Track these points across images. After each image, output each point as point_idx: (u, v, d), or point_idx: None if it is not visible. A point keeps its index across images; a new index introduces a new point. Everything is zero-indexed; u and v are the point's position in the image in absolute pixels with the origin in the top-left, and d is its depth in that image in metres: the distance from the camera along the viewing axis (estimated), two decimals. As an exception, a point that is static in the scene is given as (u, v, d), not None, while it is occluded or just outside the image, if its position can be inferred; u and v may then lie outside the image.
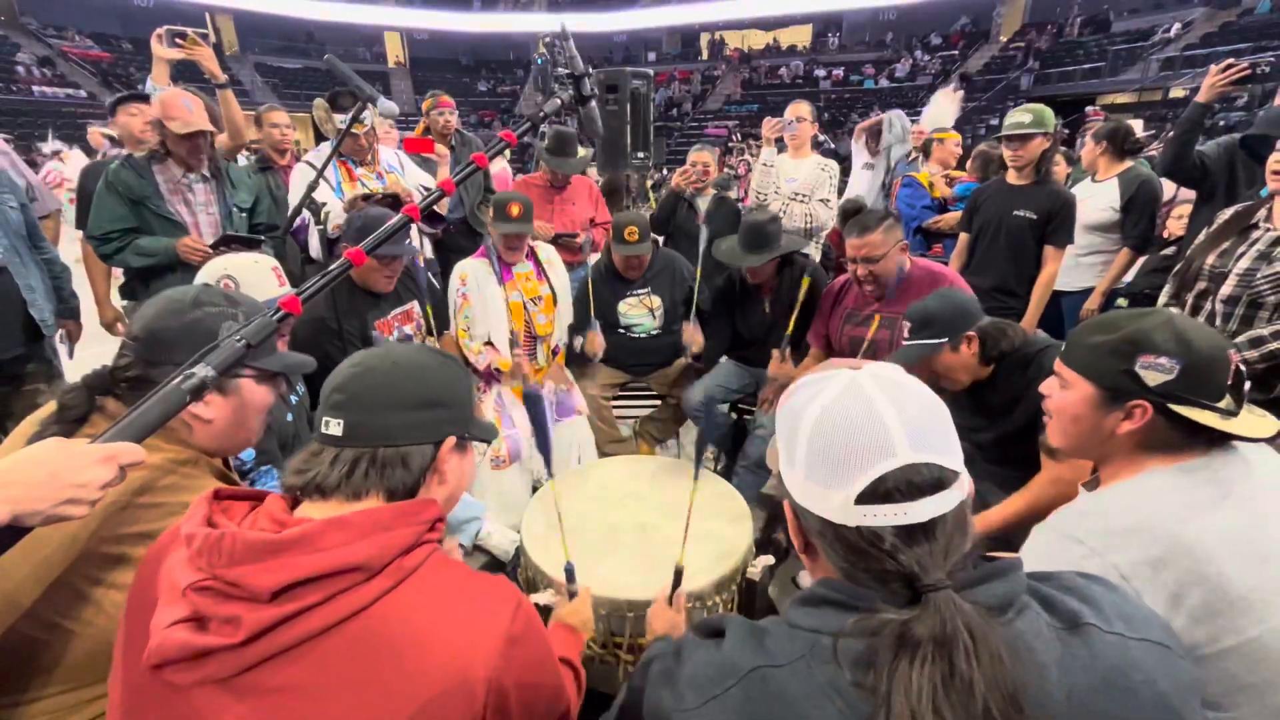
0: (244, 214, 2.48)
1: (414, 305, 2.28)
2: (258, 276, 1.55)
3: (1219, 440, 0.91)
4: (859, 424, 0.58)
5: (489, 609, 0.69)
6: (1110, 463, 0.99)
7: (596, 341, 2.53)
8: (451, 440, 0.78)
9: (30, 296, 2.14)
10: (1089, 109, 7.38)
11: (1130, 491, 0.92)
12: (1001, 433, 1.62)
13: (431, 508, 0.73)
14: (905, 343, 1.66)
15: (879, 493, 0.56)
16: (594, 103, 1.21)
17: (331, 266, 0.99)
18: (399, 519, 0.69)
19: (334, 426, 0.72)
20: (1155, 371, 0.90)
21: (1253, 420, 0.90)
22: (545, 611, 1.43)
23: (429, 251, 3.08)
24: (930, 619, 0.51)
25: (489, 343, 2.40)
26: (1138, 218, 2.83)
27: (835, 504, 0.58)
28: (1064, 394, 1.01)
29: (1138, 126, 3.37)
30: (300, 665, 0.61)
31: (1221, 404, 0.89)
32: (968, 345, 1.61)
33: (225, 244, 2.23)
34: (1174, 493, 0.88)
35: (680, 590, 1.22)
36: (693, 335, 2.52)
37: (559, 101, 1.17)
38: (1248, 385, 0.92)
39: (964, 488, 0.58)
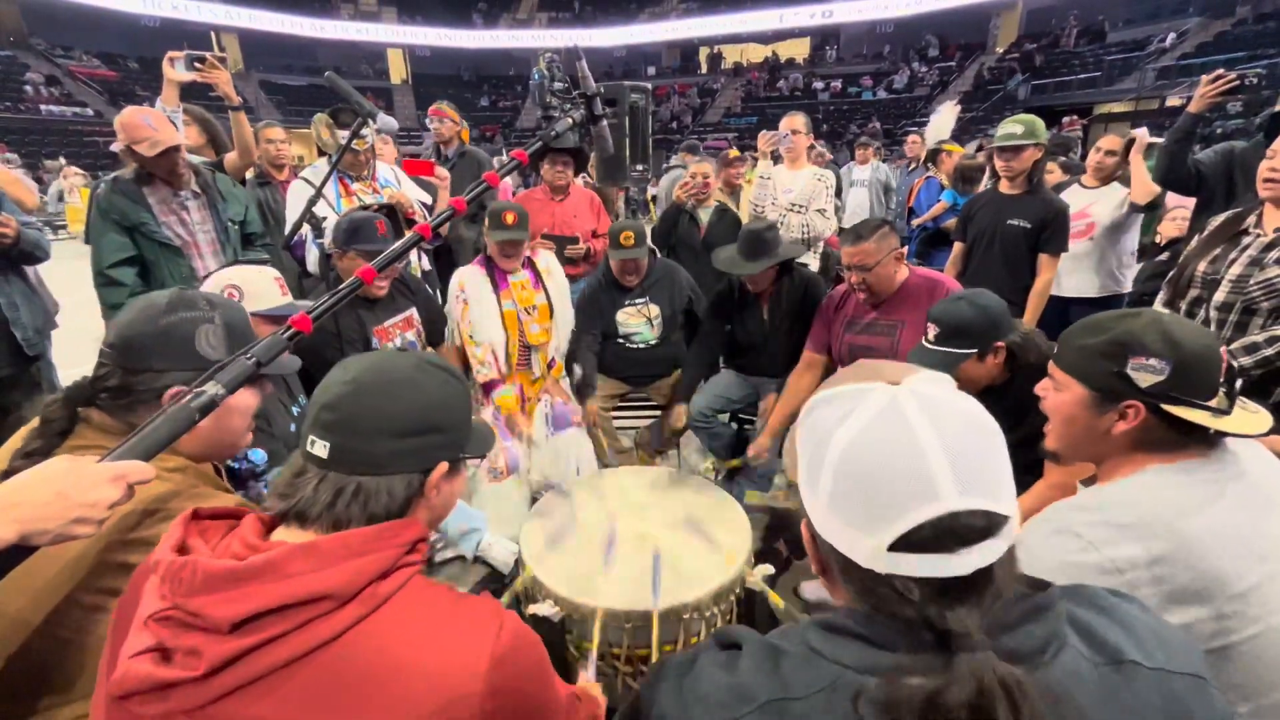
0: (236, 226, 2.44)
1: (413, 312, 2.29)
2: (261, 286, 1.59)
3: (1215, 438, 0.91)
4: (897, 459, 0.50)
5: (472, 629, 0.66)
6: (1107, 461, 0.98)
7: (591, 412, 2.55)
8: (443, 466, 0.74)
9: (11, 315, 2.08)
10: (1065, 120, 7.42)
11: (1130, 488, 0.91)
12: (1012, 438, 1.60)
13: (412, 529, 0.70)
14: (930, 347, 1.59)
15: (915, 541, 0.49)
16: (605, 122, 1.21)
17: (341, 286, 1.01)
18: (372, 543, 0.66)
19: (320, 447, 0.69)
20: (1146, 373, 0.89)
21: (1246, 417, 0.90)
22: (544, 622, 1.43)
23: (427, 263, 3.10)
24: (964, 685, 0.45)
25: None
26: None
27: (863, 548, 0.51)
28: (1058, 396, 1.01)
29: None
30: (272, 698, 0.59)
31: (1214, 402, 0.89)
32: (994, 356, 1.56)
33: None
34: (1174, 490, 0.88)
35: None
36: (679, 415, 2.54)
37: (570, 121, 1.17)
38: (1239, 383, 0.92)
39: (1013, 532, 0.51)
